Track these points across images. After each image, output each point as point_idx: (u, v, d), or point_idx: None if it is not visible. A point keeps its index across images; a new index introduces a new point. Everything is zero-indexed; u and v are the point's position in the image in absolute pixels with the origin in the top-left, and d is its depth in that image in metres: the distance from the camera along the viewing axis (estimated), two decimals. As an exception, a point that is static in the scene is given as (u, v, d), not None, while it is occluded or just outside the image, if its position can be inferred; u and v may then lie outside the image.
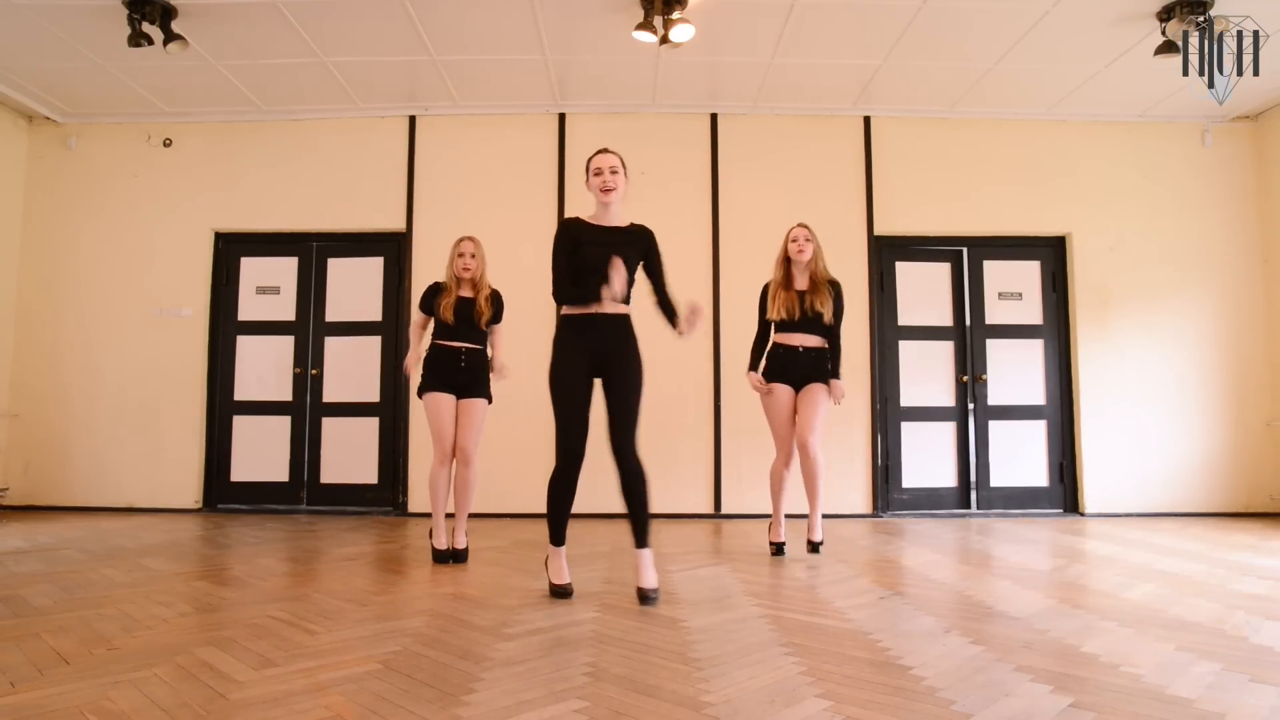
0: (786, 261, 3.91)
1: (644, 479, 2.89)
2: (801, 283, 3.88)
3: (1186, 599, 2.90)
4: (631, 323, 3.00)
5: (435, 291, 3.77)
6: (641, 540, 2.89)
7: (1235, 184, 5.78)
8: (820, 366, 3.86)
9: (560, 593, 2.93)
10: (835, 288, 3.89)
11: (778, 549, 3.90)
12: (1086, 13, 4.41)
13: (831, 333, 3.88)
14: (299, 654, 2.17)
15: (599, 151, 3.02)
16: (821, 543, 3.91)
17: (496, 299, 3.82)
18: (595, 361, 2.90)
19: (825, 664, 2.09)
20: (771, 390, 3.87)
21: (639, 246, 3.01)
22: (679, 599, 2.91)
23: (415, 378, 3.87)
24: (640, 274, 3.06)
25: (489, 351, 3.84)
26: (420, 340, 3.84)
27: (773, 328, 3.95)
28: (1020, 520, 5.34)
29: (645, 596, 2.83)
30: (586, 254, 2.89)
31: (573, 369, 2.88)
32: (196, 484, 5.65)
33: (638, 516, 2.89)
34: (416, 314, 3.88)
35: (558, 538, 2.99)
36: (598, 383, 2.95)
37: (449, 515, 3.84)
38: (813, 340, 3.85)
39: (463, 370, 3.70)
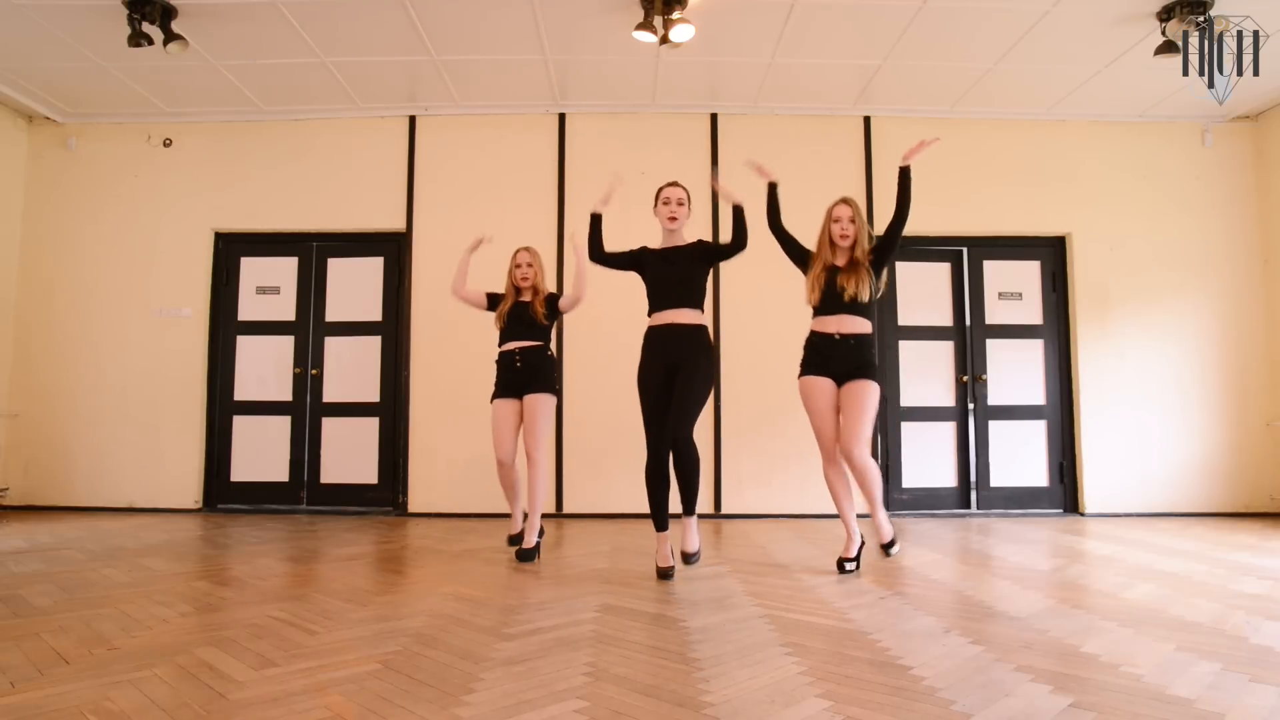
0: (829, 243, 3.47)
1: (688, 458, 3.24)
2: (839, 259, 3.46)
3: (1186, 599, 2.90)
4: (706, 333, 3.40)
5: (497, 299, 4.05)
6: (685, 508, 3.33)
7: (1235, 184, 5.78)
8: (864, 357, 3.43)
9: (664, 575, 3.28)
10: (874, 255, 3.46)
11: (841, 565, 3.44)
12: (1086, 13, 4.41)
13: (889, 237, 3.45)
14: (299, 654, 2.17)
15: (669, 184, 3.48)
16: (892, 543, 3.64)
17: (552, 300, 3.99)
18: (669, 366, 3.34)
19: (825, 664, 2.09)
20: (808, 386, 3.51)
21: (702, 256, 3.42)
22: (679, 599, 2.91)
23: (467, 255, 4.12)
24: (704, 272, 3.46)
25: (549, 349, 4.00)
26: (464, 273, 4.09)
27: (811, 313, 3.55)
28: (1020, 520, 5.34)
29: (684, 558, 3.35)
30: (657, 273, 3.41)
31: (650, 373, 3.36)
32: (197, 484, 5.65)
33: (682, 489, 3.30)
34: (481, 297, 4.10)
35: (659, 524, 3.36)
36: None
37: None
38: (851, 325, 3.42)
39: (519, 370, 3.87)
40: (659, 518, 3.33)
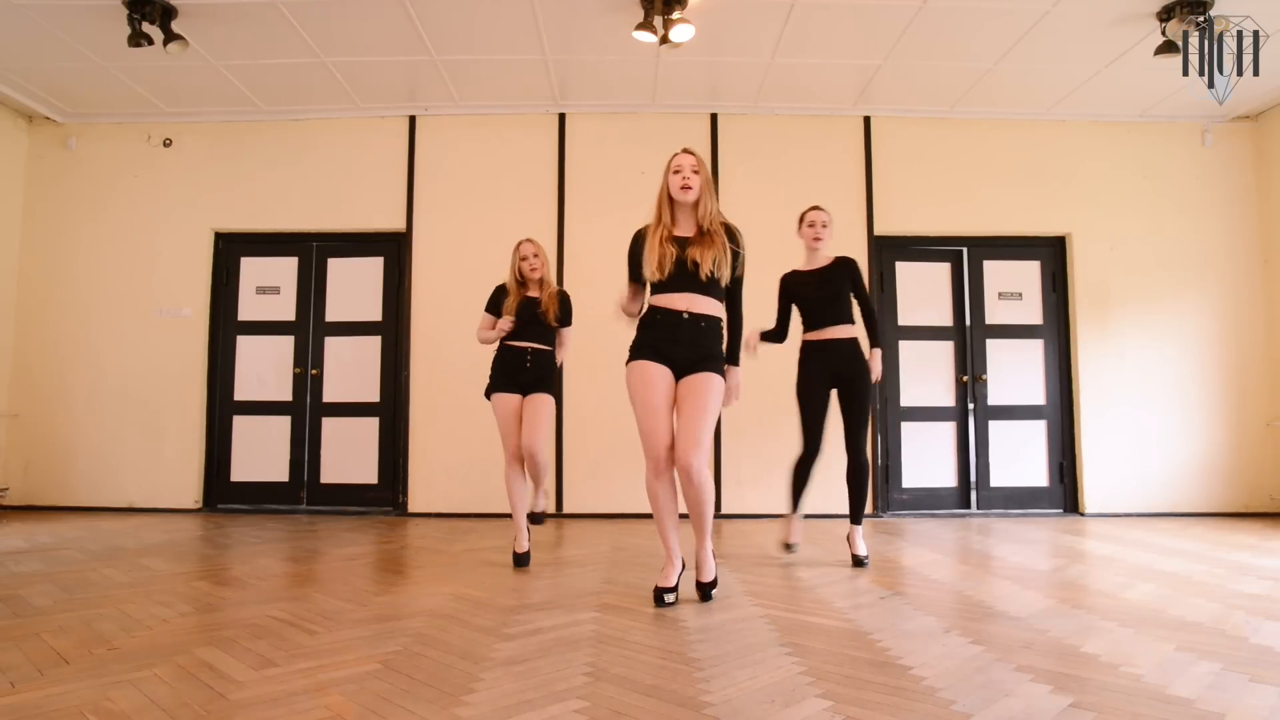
0: (670, 201, 2.89)
1: (860, 472, 3.65)
2: (685, 228, 2.89)
3: (1186, 599, 2.90)
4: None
5: (500, 293, 3.77)
6: (853, 516, 3.71)
7: (1235, 184, 5.78)
8: (711, 346, 2.85)
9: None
10: (734, 240, 2.88)
11: (659, 596, 2.80)
12: (1086, 13, 4.41)
13: (730, 299, 2.93)
14: (299, 654, 2.17)
15: (812, 208, 3.79)
16: (712, 584, 2.90)
17: (564, 299, 3.78)
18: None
19: (825, 664, 2.09)
20: (641, 372, 2.82)
21: (843, 277, 3.72)
22: (679, 599, 2.91)
23: (504, 327, 3.66)
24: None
25: (556, 352, 3.82)
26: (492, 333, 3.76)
27: (649, 289, 2.93)
28: (1020, 520, 5.34)
29: (857, 561, 3.62)
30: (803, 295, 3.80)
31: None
32: (196, 484, 5.65)
33: (851, 498, 3.71)
34: (483, 316, 3.80)
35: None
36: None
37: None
38: (703, 304, 2.82)
39: (528, 370, 3.67)
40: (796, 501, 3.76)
